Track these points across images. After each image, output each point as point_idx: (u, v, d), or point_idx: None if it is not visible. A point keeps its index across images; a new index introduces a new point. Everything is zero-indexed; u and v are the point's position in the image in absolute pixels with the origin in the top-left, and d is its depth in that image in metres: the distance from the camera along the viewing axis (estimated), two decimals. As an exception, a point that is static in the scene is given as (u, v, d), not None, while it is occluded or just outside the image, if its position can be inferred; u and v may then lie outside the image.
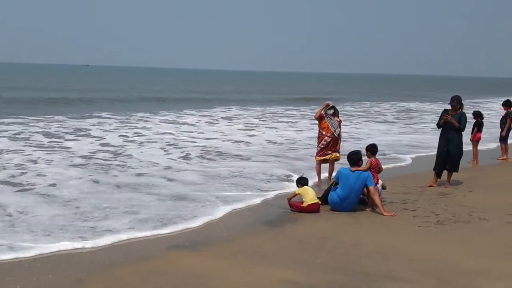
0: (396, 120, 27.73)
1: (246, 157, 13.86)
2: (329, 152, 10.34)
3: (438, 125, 10.25)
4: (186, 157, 13.53)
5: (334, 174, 9.58)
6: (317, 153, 10.57)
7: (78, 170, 11.25)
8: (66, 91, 42.57)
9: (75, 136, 16.99)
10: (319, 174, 10.56)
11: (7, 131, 17.23)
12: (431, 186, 10.19)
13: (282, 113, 30.09)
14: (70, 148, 14.46)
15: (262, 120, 25.40)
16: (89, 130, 18.74)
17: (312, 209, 8.17)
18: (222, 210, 8.26)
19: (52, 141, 15.52)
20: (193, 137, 17.74)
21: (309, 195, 8.23)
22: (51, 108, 27.49)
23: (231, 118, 26.28)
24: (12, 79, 62.69)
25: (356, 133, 20.39)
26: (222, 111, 30.27)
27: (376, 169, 8.62)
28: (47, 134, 16.95)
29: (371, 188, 8.12)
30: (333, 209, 8.32)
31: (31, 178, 10.23)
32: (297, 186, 8.55)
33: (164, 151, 14.54)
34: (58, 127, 19.11)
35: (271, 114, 29.17)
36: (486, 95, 60.53)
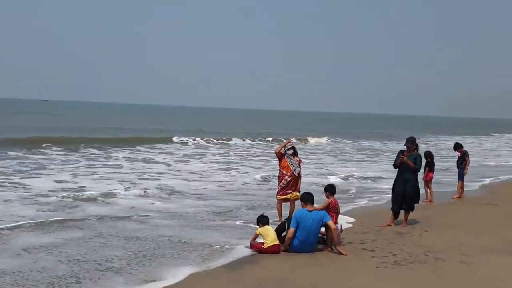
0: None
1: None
2: (290, 191, 10.43)
3: (395, 166, 10.51)
4: (157, 197, 13.30)
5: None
6: (278, 192, 10.65)
7: (35, 211, 10.83)
8: (15, 129, 39.42)
9: (28, 174, 16.54)
10: (280, 212, 10.60)
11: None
12: (389, 225, 10.36)
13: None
14: (27, 185, 14.10)
15: (231, 157, 25.41)
16: (44, 167, 18.30)
17: (273, 250, 8.15)
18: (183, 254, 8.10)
19: (5, 179, 15.07)
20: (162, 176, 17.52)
21: (270, 236, 8.22)
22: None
23: (194, 155, 26.18)
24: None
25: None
26: (177, 148, 30.11)
27: (334, 209, 8.71)
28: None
29: (330, 222, 8.18)
30: (293, 251, 8.31)
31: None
32: (258, 225, 8.54)
33: (144, 193, 14.20)
34: (8, 166, 18.52)
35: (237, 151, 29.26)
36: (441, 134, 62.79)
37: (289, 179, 10.43)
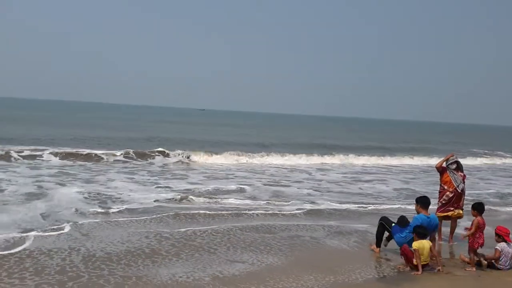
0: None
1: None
2: (451, 208, 9.80)
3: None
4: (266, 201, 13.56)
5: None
6: (438, 209, 10.07)
7: (156, 204, 12.08)
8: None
9: (172, 175, 17.93)
10: (439, 230, 10.01)
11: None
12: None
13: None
14: (161, 184, 15.45)
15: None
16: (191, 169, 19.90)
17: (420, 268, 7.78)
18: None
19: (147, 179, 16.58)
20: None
21: (424, 255, 7.81)
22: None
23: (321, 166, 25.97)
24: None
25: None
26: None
27: (482, 229, 8.16)
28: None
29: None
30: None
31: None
32: (412, 232, 8.10)
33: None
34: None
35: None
36: None
37: (451, 195, 9.80)
